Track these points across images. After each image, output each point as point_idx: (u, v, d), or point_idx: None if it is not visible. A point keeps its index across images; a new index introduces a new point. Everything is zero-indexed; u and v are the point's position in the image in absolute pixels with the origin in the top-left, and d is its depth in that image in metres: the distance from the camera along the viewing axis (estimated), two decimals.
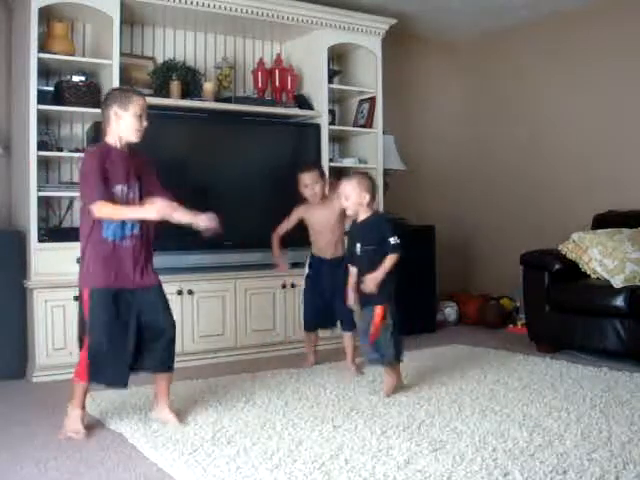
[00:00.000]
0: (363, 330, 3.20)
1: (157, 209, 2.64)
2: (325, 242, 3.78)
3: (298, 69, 4.75)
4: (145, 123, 2.75)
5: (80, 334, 2.77)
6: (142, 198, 2.77)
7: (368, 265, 3.15)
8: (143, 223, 2.74)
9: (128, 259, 2.72)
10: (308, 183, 3.74)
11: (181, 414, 2.88)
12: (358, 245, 3.21)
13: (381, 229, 3.19)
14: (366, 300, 3.17)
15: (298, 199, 3.83)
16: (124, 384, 2.77)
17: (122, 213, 2.66)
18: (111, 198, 2.64)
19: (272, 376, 3.62)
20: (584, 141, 5.12)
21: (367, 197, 3.20)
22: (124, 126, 2.72)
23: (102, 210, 2.60)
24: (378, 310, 3.11)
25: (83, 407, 2.76)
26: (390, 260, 3.11)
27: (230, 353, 4.14)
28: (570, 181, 5.20)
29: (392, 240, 3.14)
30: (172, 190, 2.89)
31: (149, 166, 2.86)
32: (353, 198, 3.20)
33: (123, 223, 2.68)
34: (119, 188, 2.69)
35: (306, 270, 3.86)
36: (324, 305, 3.76)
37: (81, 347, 2.73)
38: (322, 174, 3.84)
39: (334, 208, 3.68)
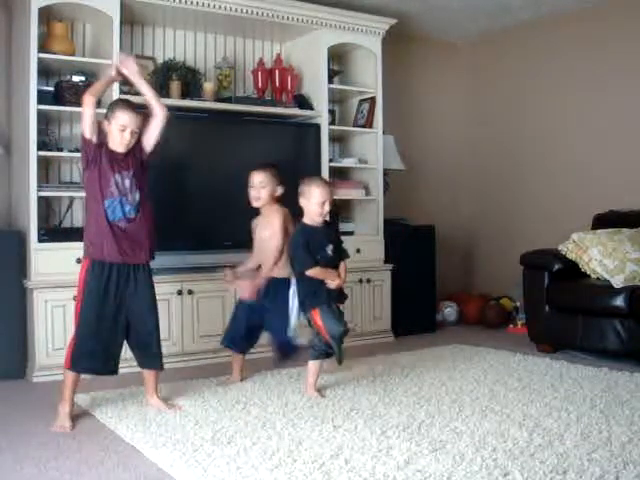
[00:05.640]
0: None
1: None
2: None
3: (298, 69, 4.75)
4: (128, 137, 2.91)
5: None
6: (139, 184, 2.97)
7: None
8: (141, 207, 2.96)
9: (124, 239, 2.90)
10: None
11: (174, 406, 3.03)
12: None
13: None
14: None
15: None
16: (111, 372, 2.95)
17: (89, 91, 2.92)
18: (104, 182, 2.89)
19: (272, 376, 3.62)
20: (584, 141, 5.12)
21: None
22: (110, 137, 2.92)
23: (83, 108, 2.87)
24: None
25: (70, 402, 2.84)
26: None
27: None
28: (570, 181, 5.20)
29: None
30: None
31: (137, 148, 3.01)
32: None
33: (123, 205, 2.90)
34: (117, 176, 2.91)
35: None
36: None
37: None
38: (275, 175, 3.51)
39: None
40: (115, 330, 2.90)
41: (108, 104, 3.13)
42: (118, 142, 2.90)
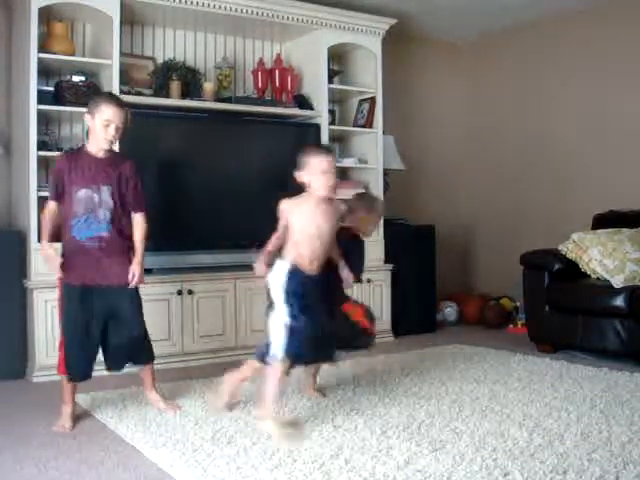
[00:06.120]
0: None
1: (43, 256, 2.85)
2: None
3: (298, 69, 4.75)
4: (112, 132, 2.76)
5: None
6: (119, 202, 2.84)
7: None
8: (113, 224, 2.82)
9: (94, 258, 2.80)
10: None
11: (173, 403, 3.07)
12: None
13: None
14: None
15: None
16: (83, 378, 2.86)
17: (41, 230, 2.87)
18: (70, 200, 2.78)
19: None
20: (584, 141, 5.12)
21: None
22: (93, 132, 2.80)
23: (45, 213, 2.85)
24: None
25: (72, 403, 2.83)
26: None
27: (230, 353, 4.14)
28: (570, 181, 5.20)
29: None
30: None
31: (130, 177, 2.87)
32: None
33: (89, 224, 2.78)
34: (83, 192, 2.78)
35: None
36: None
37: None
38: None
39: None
40: (97, 335, 2.83)
41: (91, 98, 2.95)
42: (102, 138, 2.76)
